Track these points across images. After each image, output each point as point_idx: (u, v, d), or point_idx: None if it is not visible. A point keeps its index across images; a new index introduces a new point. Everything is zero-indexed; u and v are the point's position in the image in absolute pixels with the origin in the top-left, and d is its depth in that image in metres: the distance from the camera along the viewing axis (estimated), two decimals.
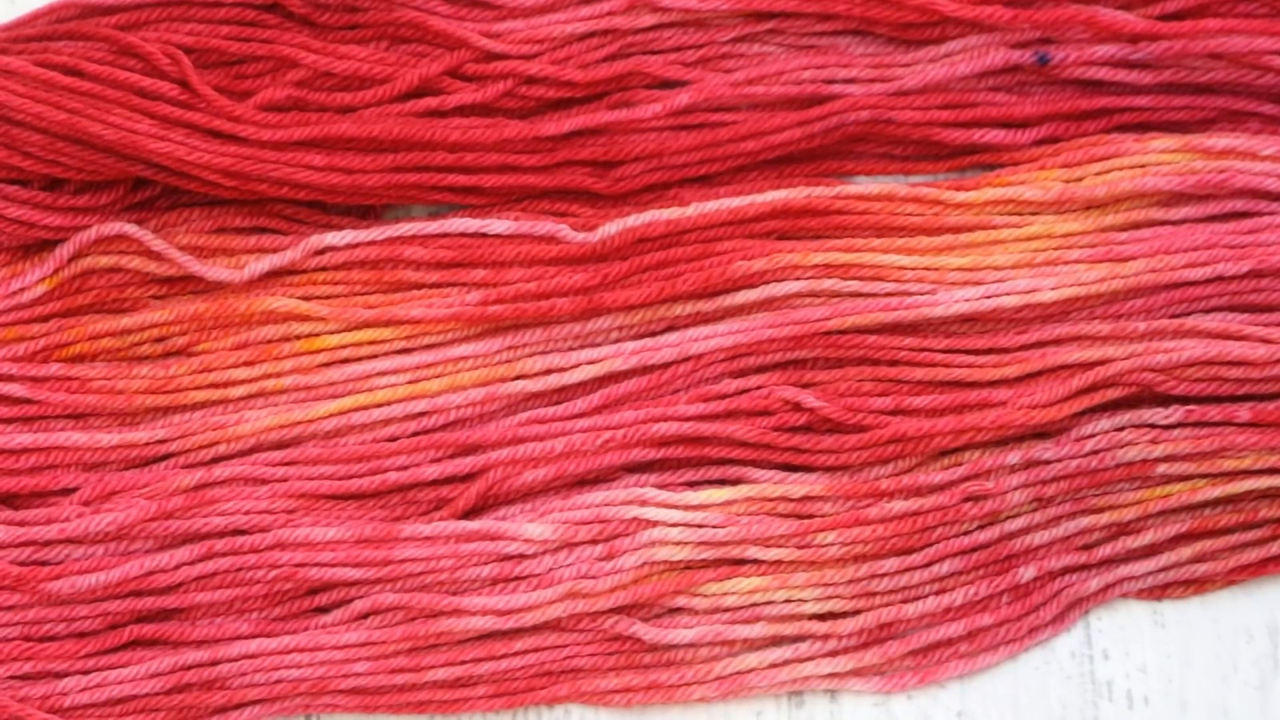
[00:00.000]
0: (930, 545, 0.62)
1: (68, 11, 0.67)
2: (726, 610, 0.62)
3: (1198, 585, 0.63)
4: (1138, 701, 0.62)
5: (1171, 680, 0.62)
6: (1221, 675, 0.62)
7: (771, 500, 0.63)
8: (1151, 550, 0.63)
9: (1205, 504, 0.63)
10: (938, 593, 0.62)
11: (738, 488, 0.63)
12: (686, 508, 0.62)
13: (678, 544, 0.62)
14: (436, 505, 0.64)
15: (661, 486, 0.63)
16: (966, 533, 0.63)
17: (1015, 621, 0.62)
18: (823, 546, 0.62)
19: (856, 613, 0.62)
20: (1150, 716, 0.62)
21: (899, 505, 0.62)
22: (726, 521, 0.62)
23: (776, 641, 0.62)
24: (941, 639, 0.62)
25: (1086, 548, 0.63)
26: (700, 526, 0.62)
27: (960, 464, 0.62)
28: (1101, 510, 0.63)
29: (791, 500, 0.63)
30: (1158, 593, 0.63)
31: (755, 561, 0.62)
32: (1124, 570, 0.63)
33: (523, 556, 0.62)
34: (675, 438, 0.63)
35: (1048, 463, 0.62)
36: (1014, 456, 0.61)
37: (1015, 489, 0.62)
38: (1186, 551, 0.63)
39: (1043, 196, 0.64)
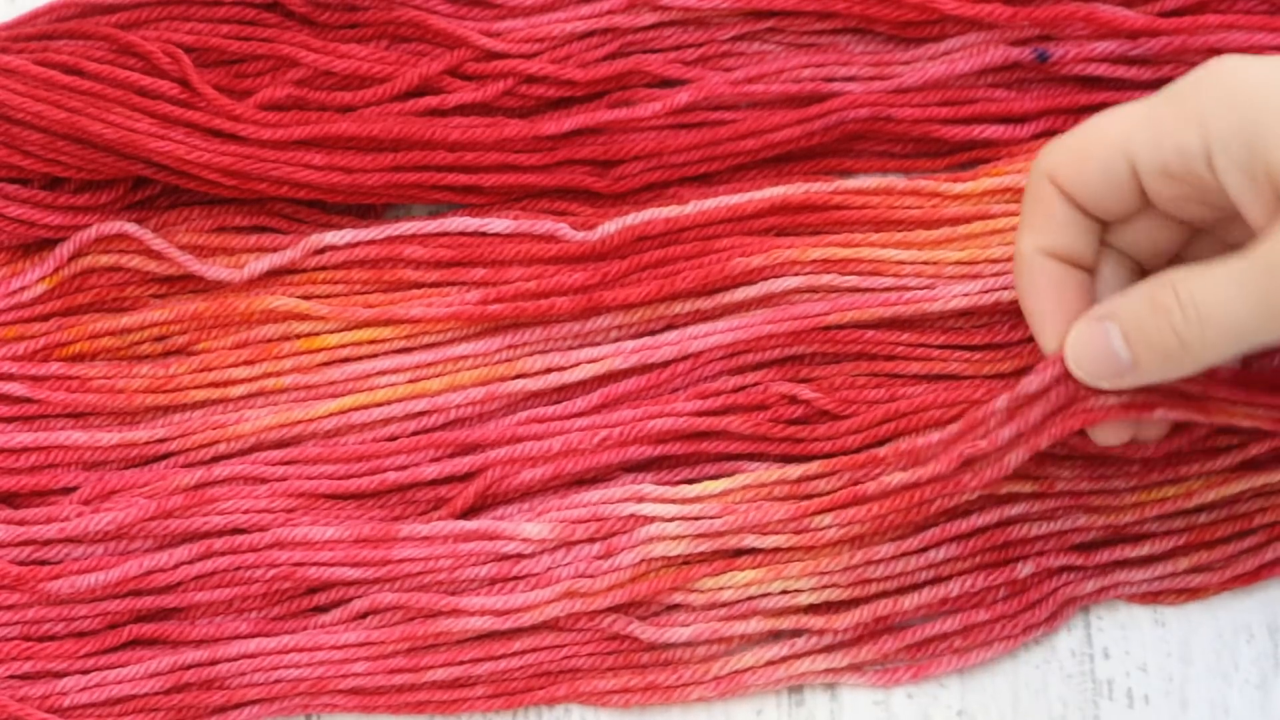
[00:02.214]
0: (929, 527, 0.62)
1: (68, 10, 0.67)
2: (723, 605, 0.62)
3: (1192, 593, 0.62)
4: (1138, 700, 0.62)
5: (1172, 679, 0.62)
6: (1222, 674, 0.62)
7: (768, 485, 0.62)
8: (1148, 559, 0.62)
9: (1201, 508, 0.62)
10: (934, 581, 0.62)
11: (734, 478, 0.62)
12: (683, 501, 0.62)
13: (675, 538, 0.61)
14: (435, 505, 0.64)
15: (659, 484, 0.63)
16: (965, 515, 0.62)
17: (1011, 618, 0.62)
18: (820, 530, 0.61)
19: (853, 602, 0.62)
20: (1151, 715, 0.62)
21: (897, 477, 0.60)
22: (724, 511, 0.62)
23: (773, 636, 0.62)
24: (936, 634, 0.62)
25: (1083, 549, 0.62)
26: (697, 519, 0.62)
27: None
28: (1098, 510, 0.62)
29: (789, 482, 0.62)
30: (1151, 598, 0.63)
31: (752, 551, 0.62)
32: (1121, 575, 0.62)
33: (520, 556, 0.62)
34: (672, 433, 0.63)
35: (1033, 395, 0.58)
36: (1001, 401, 0.57)
37: (1008, 443, 0.57)
38: (1184, 562, 0.62)
39: None
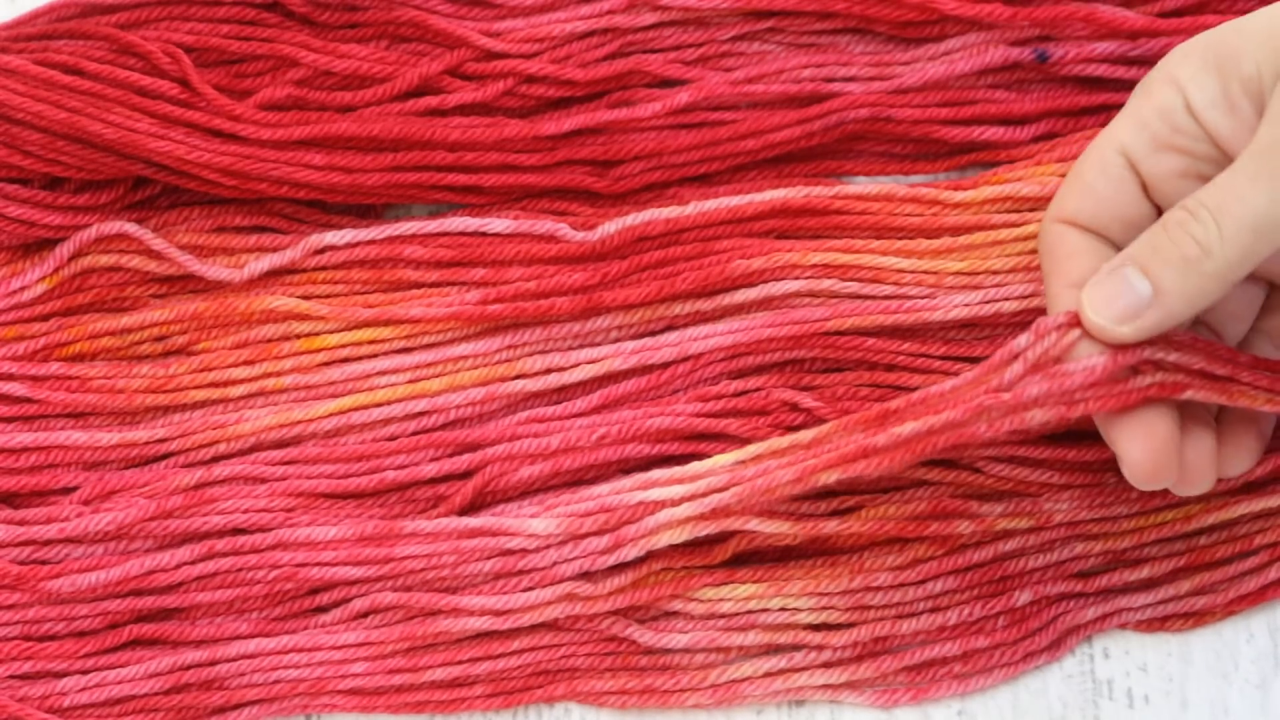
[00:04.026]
0: (927, 560, 0.62)
1: (68, 10, 0.67)
2: (722, 617, 0.62)
3: (1197, 618, 0.62)
4: (1138, 700, 0.62)
5: (1172, 679, 0.62)
6: (1222, 674, 0.62)
7: (781, 451, 0.59)
8: (1149, 583, 0.62)
9: (1200, 531, 0.62)
10: (932, 610, 0.62)
11: (745, 448, 0.60)
12: (692, 478, 0.60)
13: (682, 522, 0.59)
14: (434, 503, 0.64)
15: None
16: (961, 550, 0.62)
17: (1011, 646, 0.62)
18: (821, 521, 0.61)
19: (851, 625, 0.62)
20: (1151, 715, 0.62)
21: (909, 427, 0.55)
22: (732, 481, 0.59)
23: (771, 650, 0.62)
24: (936, 657, 0.62)
25: (1082, 576, 0.62)
26: (705, 495, 0.59)
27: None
28: (1097, 537, 0.62)
29: (801, 446, 0.58)
30: (1156, 625, 0.62)
31: (751, 564, 0.62)
32: (1122, 601, 0.62)
33: (525, 551, 0.61)
34: (671, 431, 0.63)
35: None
36: (1024, 339, 0.54)
37: (1032, 400, 0.53)
38: (1185, 585, 0.62)
39: (1040, 192, 0.64)
